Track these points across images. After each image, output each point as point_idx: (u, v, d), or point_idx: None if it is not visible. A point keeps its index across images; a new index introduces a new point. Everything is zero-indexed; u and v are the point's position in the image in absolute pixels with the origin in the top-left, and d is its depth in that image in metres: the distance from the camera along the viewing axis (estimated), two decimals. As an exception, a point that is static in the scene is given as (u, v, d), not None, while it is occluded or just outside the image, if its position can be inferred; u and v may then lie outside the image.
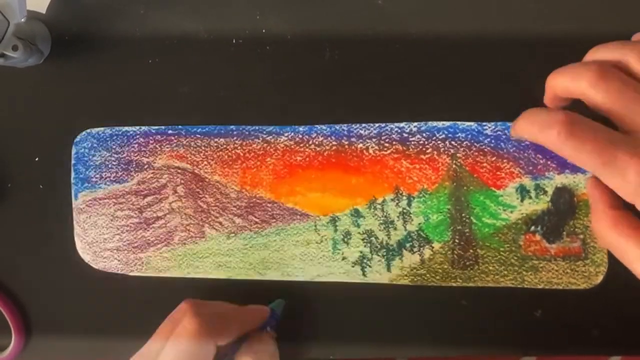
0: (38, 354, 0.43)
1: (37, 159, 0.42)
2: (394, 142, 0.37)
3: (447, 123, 0.36)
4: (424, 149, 0.36)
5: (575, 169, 0.35)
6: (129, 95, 0.41)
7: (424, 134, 0.37)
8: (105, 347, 0.42)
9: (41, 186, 0.42)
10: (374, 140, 0.37)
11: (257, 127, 0.39)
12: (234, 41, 0.39)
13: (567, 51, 0.34)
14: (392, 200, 0.37)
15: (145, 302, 0.41)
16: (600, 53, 0.29)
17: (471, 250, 0.36)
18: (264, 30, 0.38)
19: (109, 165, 0.41)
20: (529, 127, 0.28)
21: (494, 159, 0.36)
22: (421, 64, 0.37)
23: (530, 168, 0.35)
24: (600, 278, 0.35)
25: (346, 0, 0.37)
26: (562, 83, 0.29)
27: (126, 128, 0.41)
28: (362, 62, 0.37)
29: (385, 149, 0.37)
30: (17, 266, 0.43)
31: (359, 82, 0.37)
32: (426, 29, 0.36)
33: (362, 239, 0.37)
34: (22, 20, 0.38)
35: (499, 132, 0.36)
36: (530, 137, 0.29)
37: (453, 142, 0.36)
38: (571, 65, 0.29)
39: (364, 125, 0.37)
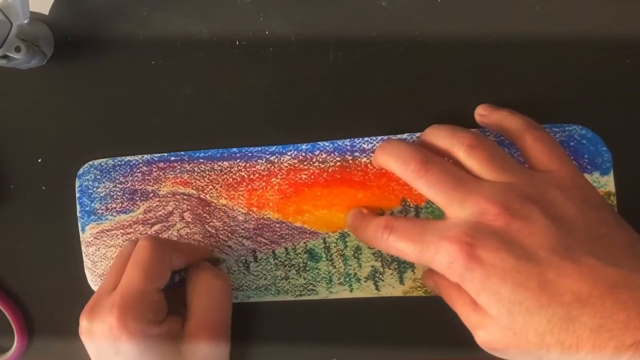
0: (40, 356, 0.43)
1: (39, 160, 0.42)
2: (397, 154, 0.37)
3: (449, 132, 0.36)
4: (427, 159, 0.36)
5: (587, 168, 0.35)
6: (132, 97, 0.41)
7: (427, 144, 0.36)
8: None
9: (44, 187, 0.42)
10: (377, 153, 0.37)
11: (259, 148, 0.39)
12: (237, 43, 0.39)
13: (575, 53, 0.35)
14: (400, 212, 0.37)
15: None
16: (433, 138, 0.33)
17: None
18: (267, 32, 0.38)
19: (114, 196, 0.41)
20: (361, 235, 0.34)
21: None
22: (426, 65, 0.37)
23: (535, 171, 0.35)
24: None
25: (350, 2, 0.37)
26: (389, 166, 0.33)
27: (128, 158, 0.41)
28: (366, 64, 0.37)
29: (389, 161, 0.37)
30: (20, 268, 0.43)
31: (363, 84, 0.37)
32: (430, 31, 0.36)
33: (373, 254, 0.37)
34: (25, 21, 0.38)
35: (502, 137, 0.36)
36: (362, 241, 0.35)
37: (456, 151, 0.36)
38: (400, 147, 0.32)
39: (366, 139, 0.37)
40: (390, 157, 0.32)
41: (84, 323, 0.33)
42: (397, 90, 0.37)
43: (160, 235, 0.40)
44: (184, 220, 0.40)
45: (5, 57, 0.38)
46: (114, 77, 0.41)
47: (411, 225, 0.31)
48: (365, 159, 0.37)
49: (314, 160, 0.38)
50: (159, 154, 0.40)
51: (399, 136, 0.37)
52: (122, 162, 0.41)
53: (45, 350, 0.43)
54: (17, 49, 0.38)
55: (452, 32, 0.36)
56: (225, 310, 0.36)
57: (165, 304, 0.34)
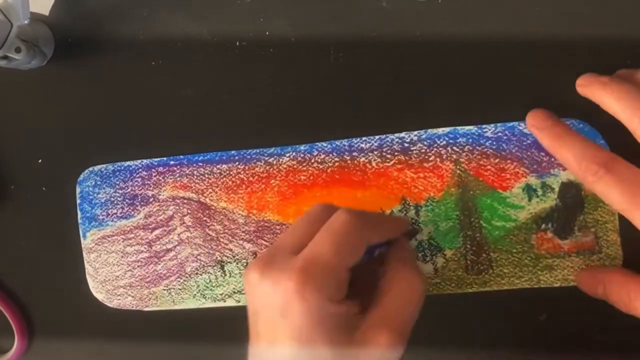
0: (40, 358, 0.44)
1: (39, 161, 0.43)
2: (395, 153, 0.37)
3: (447, 129, 0.36)
4: (426, 157, 0.36)
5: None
6: (132, 98, 0.41)
7: (425, 142, 0.36)
8: (107, 350, 0.42)
9: (44, 188, 0.43)
10: (375, 152, 0.37)
11: (258, 150, 0.39)
12: (237, 44, 0.39)
13: (568, 54, 0.35)
14: (400, 211, 0.37)
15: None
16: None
17: (484, 255, 0.36)
18: (267, 33, 0.38)
19: (115, 202, 0.41)
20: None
21: (497, 160, 0.36)
22: (426, 65, 0.36)
23: (535, 166, 0.35)
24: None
25: (350, 2, 0.37)
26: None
27: (128, 163, 0.41)
28: (366, 64, 0.37)
29: (388, 160, 0.37)
30: (20, 269, 0.44)
31: (364, 84, 0.37)
32: (430, 31, 0.36)
33: (374, 253, 0.37)
34: (26, 22, 0.38)
35: (499, 134, 0.35)
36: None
37: (455, 148, 0.36)
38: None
39: (364, 138, 0.37)
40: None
41: (254, 275, 0.30)
42: (397, 90, 0.37)
43: (161, 240, 0.40)
44: (185, 224, 0.40)
45: (5, 57, 0.38)
46: (114, 78, 0.41)
47: (635, 176, 0.29)
48: (363, 159, 0.37)
49: (312, 161, 0.38)
50: (158, 159, 0.40)
51: (397, 135, 0.37)
52: (122, 167, 0.41)
53: (45, 351, 0.44)
54: (18, 50, 0.38)
55: (452, 32, 0.36)
56: (415, 314, 0.32)
57: (347, 284, 0.31)
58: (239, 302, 0.39)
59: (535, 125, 0.33)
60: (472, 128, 0.36)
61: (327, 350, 0.28)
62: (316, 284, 0.29)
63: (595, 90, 0.32)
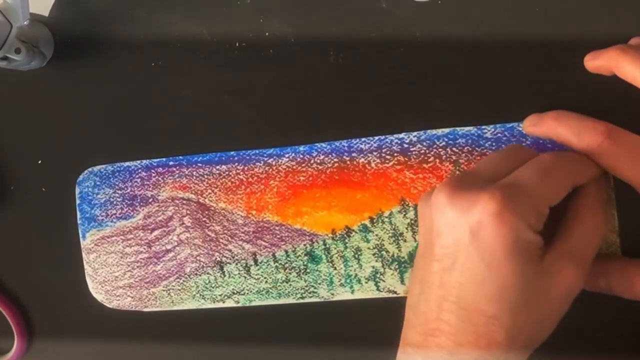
0: (40, 358, 0.44)
1: (39, 162, 0.43)
2: (395, 154, 0.37)
3: (447, 130, 0.36)
4: (425, 158, 0.36)
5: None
6: (132, 98, 0.41)
7: (424, 143, 0.36)
8: (106, 351, 0.42)
9: (44, 189, 0.43)
10: (374, 153, 0.37)
11: (257, 151, 0.39)
12: (237, 44, 0.39)
13: (568, 54, 0.34)
14: (399, 212, 0.37)
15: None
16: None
17: (483, 256, 0.36)
18: (267, 34, 0.38)
19: (114, 202, 0.41)
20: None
21: (497, 161, 0.35)
22: (426, 66, 0.36)
23: (534, 167, 0.35)
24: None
25: (350, 3, 0.37)
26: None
27: (127, 163, 0.41)
28: (366, 65, 0.37)
29: (387, 161, 0.37)
30: (20, 269, 0.44)
31: (364, 85, 0.37)
32: (430, 31, 0.36)
33: (373, 254, 0.37)
34: (25, 23, 0.38)
35: (499, 135, 0.35)
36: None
37: (454, 149, 0.36)
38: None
39: (363, 139, 0.37)
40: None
41: (441, 197, 0.29)
42: (397, 91, 0.37)
43: (160, 240, 0.40)
44: (184, 225, 0.40)
45: (5, 58, 0.39)
46: (114, 79, 0.41)
47: (637, 141, 0.29)
48: (363, 160, 0.37)
49: (311, 161, 0.38)
50: (158, 159, 0.40)
51: (396, 135, 0.37)
52: (122, 168, 0.41)
53: (44, 352, 0.44)
54: (17, 51, 0.38)
55: (452, 32, 0.36)
56: (593, 256, 0.31)
57: (544, 220, 0.29)
58: (238, 302, 0.39)
59: (530, 124, 0.33)
60: (471, 129, 0.36)
61: (516, 278, 0.27)
62: (519, 208, 0.27)
63: (614, 56, 0.31)
